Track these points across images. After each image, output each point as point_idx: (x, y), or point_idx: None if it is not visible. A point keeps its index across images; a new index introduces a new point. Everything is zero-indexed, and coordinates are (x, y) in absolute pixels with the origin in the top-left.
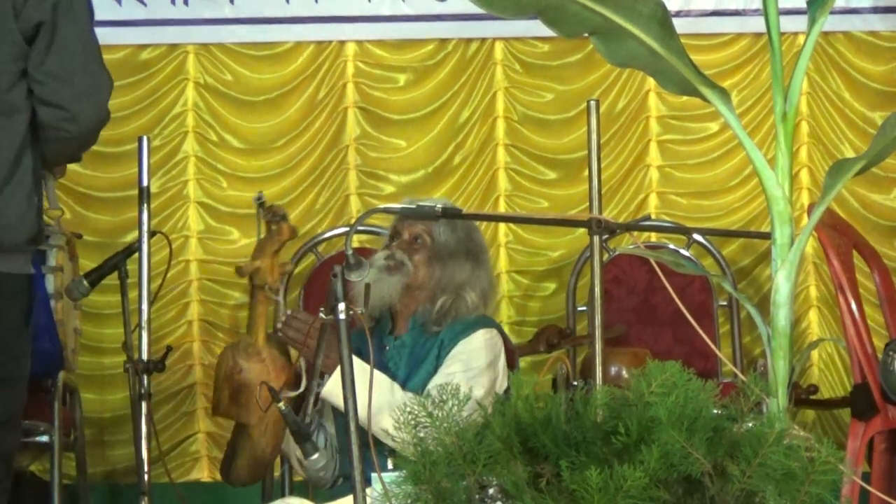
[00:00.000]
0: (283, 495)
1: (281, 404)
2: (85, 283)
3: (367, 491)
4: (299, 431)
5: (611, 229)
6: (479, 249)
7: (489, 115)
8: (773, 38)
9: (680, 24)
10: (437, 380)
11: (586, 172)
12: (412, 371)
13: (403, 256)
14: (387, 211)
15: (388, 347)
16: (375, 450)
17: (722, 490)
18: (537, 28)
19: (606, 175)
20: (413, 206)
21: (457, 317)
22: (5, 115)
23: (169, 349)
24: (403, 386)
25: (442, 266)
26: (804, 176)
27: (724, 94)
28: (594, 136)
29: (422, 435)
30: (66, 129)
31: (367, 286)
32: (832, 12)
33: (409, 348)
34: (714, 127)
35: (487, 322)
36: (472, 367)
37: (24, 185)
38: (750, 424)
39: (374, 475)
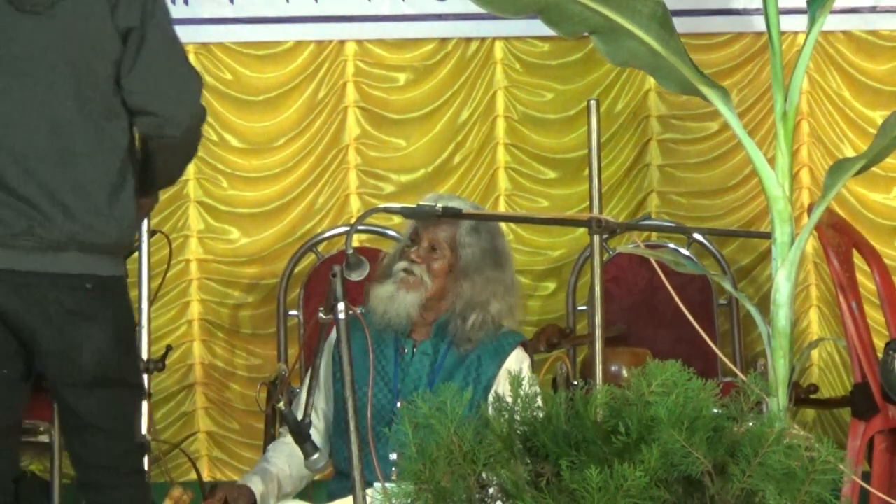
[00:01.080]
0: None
1: (280, 404)
2: None
3: (368, 492)
4: (299, 432)
5: (611, 229)
6: (503, 255)
7: (489, 114)
8: (773, 38)
9: (680, 24)
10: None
11: (586, 172)
12: (435, 385)
13: (423, 272)
14: (387, 210)
15: (405, 351)
16: (375, 452)
17: (722, 489)
18: (537, 27)
19: (606, 174)
20: (413, 206)
21: (485, 329)
22: (113, 119)
23: (169, 349)
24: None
25: (471, 283)
26: (804, 175)
27: (724, 93)
28: (594, 136)
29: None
30: (166, 134)
31: (366, 287)
32: (832, 12)
33: (431, 356)
34: (714, 126)
35: (517, 337)
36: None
37: (131, 188)
38: (750, 424)
39: (377, 484)
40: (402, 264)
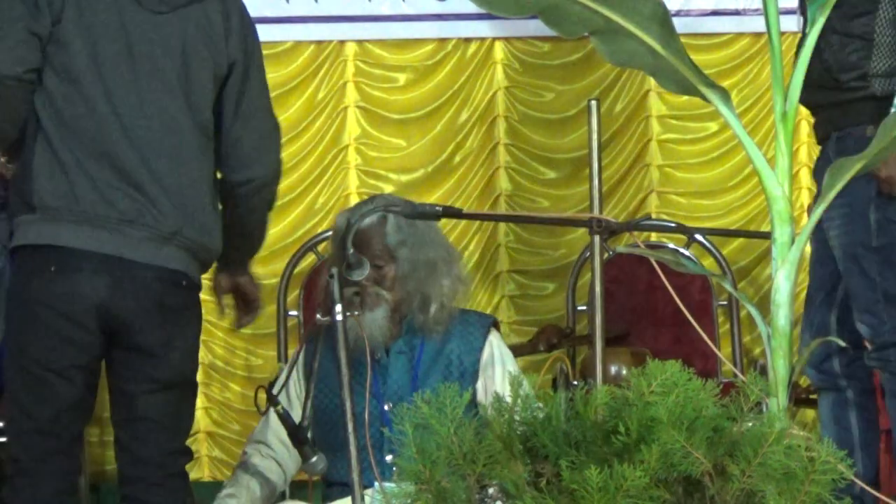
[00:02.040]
0: (282, 499)
1: (279, 406)
2: None
3: (367, 492)
4: (297, 435)
5: (611, 229)
6: (427, 234)
7: (489, 114)
8: (773, 38)
9: (680, 24)
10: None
11: (586, 172)
12: (418, 381)
13: (376, 290)
14: (387, 211)
15: (379, 355)
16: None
17: (722, 490)
18: (537, 27)
19: (606, 175)
20: (414, 206)
21: (447, 310)
22: (208, 131)
23: None
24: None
25: (416, 279)
26: (804, 175)
27: (724, 93)
28: (594, 136)
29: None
30: (253, 189)
31: (360, 293)
32: None
33: (408, 353)
34: (714, 127)
35: (486, 319)
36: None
37: (217, 202)
38: (750, 424)
39: (377, 484)
40: (350, 290)
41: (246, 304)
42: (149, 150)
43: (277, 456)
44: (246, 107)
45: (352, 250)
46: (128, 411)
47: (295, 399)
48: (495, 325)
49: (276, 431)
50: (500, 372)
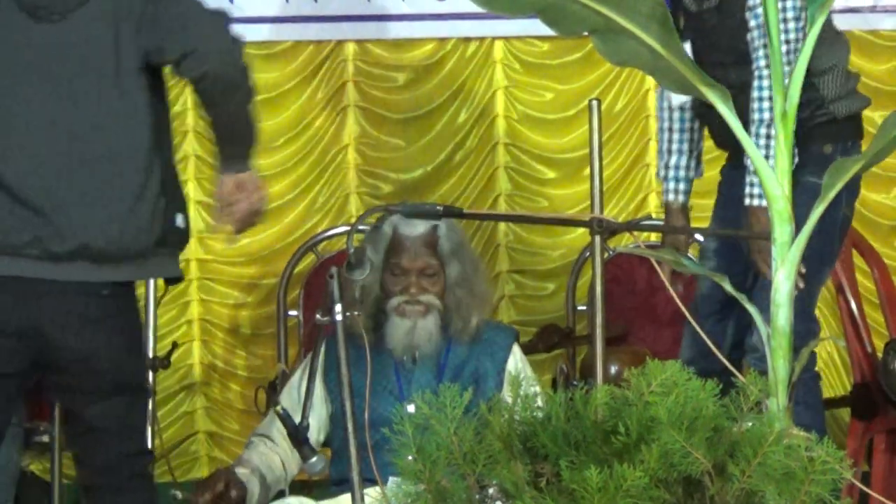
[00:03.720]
0: (282, 495)
1: (278, 407)
2: None
3: (369, 491)
4: (296, 435)
5: (611, 229)
6: (467, 242)
7: (489, 114)
8: (772, 38)
9: None
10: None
11: (586, 172)
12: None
13: (429, 298)
14: (388, 210)
15: (405, 359)
16: (375, 459)
17: (722, 490)
18: (537, 27)
19: (606, 174)
20: (414, 205)
21: (482, 320)
22: (135, 122)
23: (175, 345)
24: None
25: (465, 288)
26: None
27: (724, 93)
28: (595, 136)
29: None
30: (208, 71)
31: (363, 288)
32: (832, 12)
33: (433, 359)
34: None
35: (511, 332)
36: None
37: (153, 193)
38: (750, 424)
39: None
40: (400, 298)
41: (249, 202)
42: (47, 168)
43: (281, 452)
44: (163, 19)
45: (352, 250)
46: (76, 425)
47: (316, 401)
48: (517, 338)
49: (280, 429)
50: (508, 375)
